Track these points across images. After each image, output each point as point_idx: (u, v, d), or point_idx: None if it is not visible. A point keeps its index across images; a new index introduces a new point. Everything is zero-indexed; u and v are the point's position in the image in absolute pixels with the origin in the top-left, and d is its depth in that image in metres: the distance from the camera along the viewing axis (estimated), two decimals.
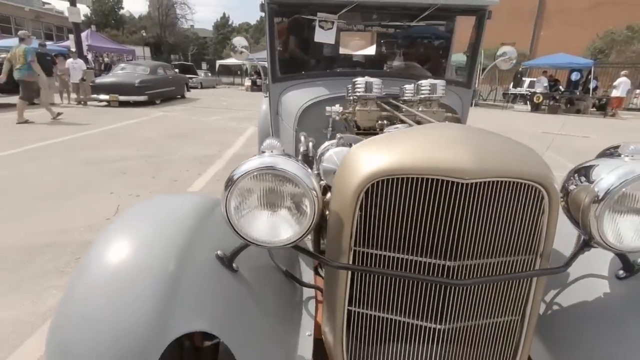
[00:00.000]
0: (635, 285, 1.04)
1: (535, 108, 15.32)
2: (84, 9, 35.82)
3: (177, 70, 16.26)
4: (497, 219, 0.91)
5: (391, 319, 1.01)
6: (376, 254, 0.96)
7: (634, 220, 0.91)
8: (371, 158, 0.91)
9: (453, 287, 0.93)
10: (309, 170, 0.94)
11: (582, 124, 11.38)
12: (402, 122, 1.40)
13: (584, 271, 1.18)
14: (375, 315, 1.02)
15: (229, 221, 0.89)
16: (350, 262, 0.97)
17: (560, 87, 16.30)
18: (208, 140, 6.87)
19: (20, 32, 8.71)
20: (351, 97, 1.59)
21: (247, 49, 2.37)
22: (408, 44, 2.64)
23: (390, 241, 0.95)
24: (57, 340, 0.83)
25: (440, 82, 1.51)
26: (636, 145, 0.91)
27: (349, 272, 0.99)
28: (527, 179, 0.87)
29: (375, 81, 1.49)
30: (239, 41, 2.37)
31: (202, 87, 22.35)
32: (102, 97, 11.40)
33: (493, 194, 0.88)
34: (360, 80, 1.49)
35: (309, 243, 1.53)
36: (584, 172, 0.96)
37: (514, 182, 0.88)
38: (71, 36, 13.01)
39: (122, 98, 11.37)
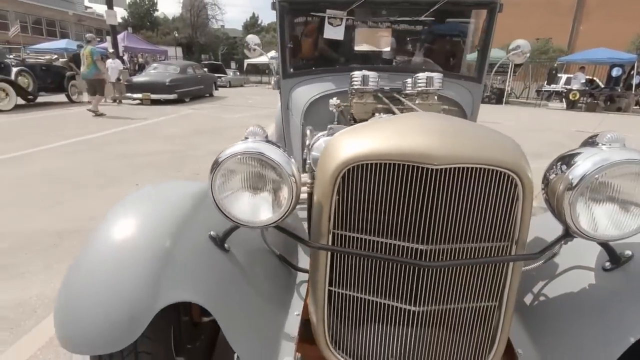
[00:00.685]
0: (621, 277, 1.03)
1: (571, 106, 14.60)
2: (121, 12, 37.59)
3: (206, 69, 16.75)
4: (470, 205, 0.93)
5: (368, 300, 1.06)
6: (353, 237, 1.01)
7: (608, 209, 0.91)
8: (348, 145, 0.96)
9: (426, 270, 0.97)
10: (290, 157, 1.01)
11: (622, 123, 10.75)
12: (393, 113, 1.43)
13: (572, 263, 1.17)
14: (353, 296, 1.07)
15: (214, 200, 0.97)
16: (330, 244, 1.03)
17: (600, 83, 15.44)
18: (231, 136, 7.07)
19: (87, 35, 9.55)
20: (350, 91, 1.64)
21: (260, 46, 2.46)
22: (421, 40, 2.64)
23: (366, 224, 0.99)
24: (63, 304, 0.94)
25: (436, 75, 1.53)
26: (613, 134, 0.91)
27: (328, 254, 1.04)
28: (498, 166, 0.89)
29: (372, 75, 1.53)
30: (252, 39, 2.46)
31: (230, 86, 22.91)
32: (136, 95, 11.97)
33: (465, 180, 0.91)
34: (357, 74, 1.53)
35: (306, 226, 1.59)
36: (563, 160, 0.97)
37: (486, 169, 0.90)
38: (108, 38, 13.70)
39: (154, 96, 11.88)
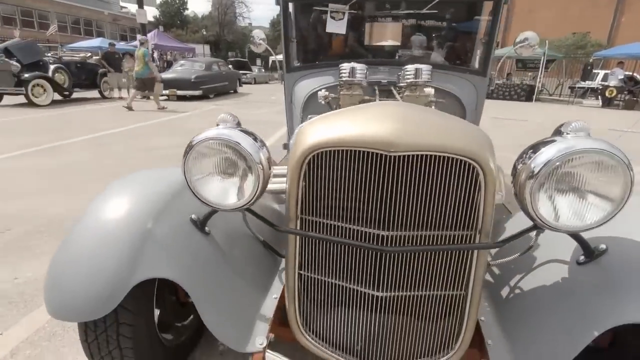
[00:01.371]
0: (594, 270, 1.02)
1: (607, 103, 13.82)
2: (154, 11, 38.80)
3: (230, 66, 17.08)
4: (431, 193, 0.94)
5: (336, 284, 1.09)
6: (319, 222, 1.04)
7: (569, 199, 0.90)
8: (313, 132, 0.99)
9: (388, 255, 0.99)
10: (262, 146, 1.05)
11: None
12: None
13: (548, 256, 1.16)
14: (321, 280, 1.10)
15: (186, 182, 1.03)
16: (298, 229, 1.07)
17: None
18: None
19: (140, 38, 10.24)
20: (339, 83, 1.66)
21: (265, 41, 2.52)
22: (426, 33, 2.61)
23: (332, 210, 1.03)
24: (51, 278, 1.04)
25: (425, 67, 1.53)
26: (578, 122, 0.89)
27: (297, 238, 1.08)
28: (458, 154, 0.90)
29: (359, 67, 1.55)
30: (257, 34, 2.52)
31: (255, 83, 23.24)
32: (163, 91, 12.38)
33: (425, 168, 0.92)
34: (346, 66, 1.55)
35: None
36: (529, 150, 0.96)
37: (446, 157, 0.91)
38: (138, 36, 14.23)
39: (180, 92, 12.24)
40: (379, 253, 0.99)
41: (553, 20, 21.87)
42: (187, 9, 41.89)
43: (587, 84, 15.99)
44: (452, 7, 2.40)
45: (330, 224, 1.03)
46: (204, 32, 36.24)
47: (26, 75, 9.29)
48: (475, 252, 0.99)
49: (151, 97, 12.48)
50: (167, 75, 12.96)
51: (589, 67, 16.38)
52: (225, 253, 1.28)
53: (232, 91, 15.56)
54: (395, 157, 0.90)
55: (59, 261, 1.05)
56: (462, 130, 0.94)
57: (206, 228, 1.25)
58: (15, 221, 2.86)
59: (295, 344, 1.20)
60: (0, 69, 9.21)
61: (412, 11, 2.44)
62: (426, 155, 0.91)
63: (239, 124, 1.06)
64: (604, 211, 0.88)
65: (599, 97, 14.59)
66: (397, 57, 2.49)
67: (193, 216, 1.22)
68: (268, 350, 1.15)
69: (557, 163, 0.86)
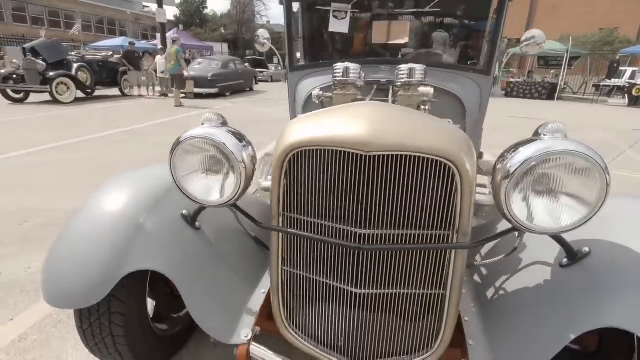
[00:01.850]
0: (576, 273, 1.01)
1: (634, 102, 13.28)
2: (174, 10, 39.51)
3: (247, 64, 17.25)
4: (408, 192, 0.95)
5: (316, 280, 1.11)
6: (300, 219, 1.07)
7: (545, 200, 0.89)
8: (294, 131, 1.02)
9: (365, 253, 1.00)
10: (247, 145, 1.09)
11: None
12: None
13: (533, 258, 1.16)
14: (303, 275, 1.13)
15: (173, 178, 1.08)
16: (280, 226, 1.10)
17: None
18: (261, 129, 7.28)
19: (172, 37, 10.62)
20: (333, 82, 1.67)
21: (269, 40, 2.56)
22: (431, 32, 2.58)
23: (311, 208, 1.05)
24: (48, 268, 1.11)
25: (418, 67, 1.52)
26: (555, 124, 0.88)
27: (280, 235, 1.11)
28: (433, 155, 0.91)
29: (352, 66, 1.56)
30: (262, 33, 2.56)
31: (272, 81, 23.40)
32: (180, 89, 12.64)
33: (401, 168, 0.93)
34: (339, 66, 1.57)
35: None
36: (507, 152, 0.96)
37: (421, 157, 0.92)
38: (158, 35, 14.57)
39: (197, 90, 12.46)
40: (357, 251, 1.01)
41: (579, 15, 21.11)
42: (206, 7, 42.56)
43: (613, 82, 15.39)
44: (457, 5, 2.38)
45: (311, 222, 1.05)
46: (222, 31, 36.71)
47: (51, 73, 9.65)
48: (453, 251, 0.99)
49: (170, 94, 12.79)
50: (185, 73, 13.22)
51: (615, 65, 15.77)
52: (216, 248, 1.33)
53: (247, 89, 15.72)
54: (370, 157, 0.92)
55: (56, 252, 1.12)
56: (438, 131, 0.95)
57: (197, 223, 1.29)
58: (33, 214, 3.00)
59: (281, 338, 1.23)
60: (27, 67, 9.63)
61: (414, 10, 2.42)
62: (401, 156, 0.92)
63: (224, 124, 1.10)
64: (579, 214, 0.87)
65: (625, 95, 14.03)
66: (399, 56, 2.48)
67: (184, 212, 1.27)
68: (253, 343, 1.19)
69: (533, 163, 0.86)
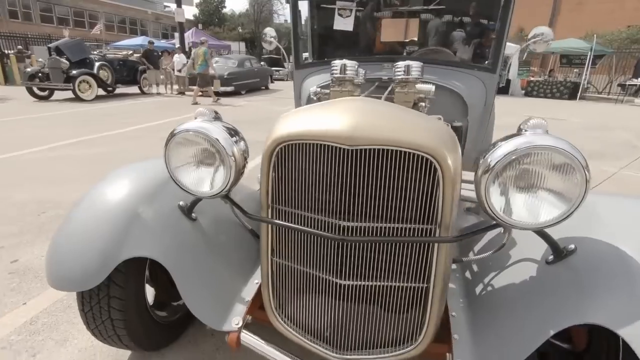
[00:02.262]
0: (561, 270, 1.01)
1: None
2: (194, 10, 40.18)
3: (263, 63, 17.41)
4: (390, 186, 0.97)
5: (304, 271, 1.14)
6: (287, 211, 1.10)
7: (524, 195, 0.90)
8: (282, 125, 1.05)
9: (349, 245, 1.03)
10: (239, 140, 1.13)
11: None
12: None
13: (521, 255, 1.16)
14: (291, 266, 1.16)
15: (168, 169, 1.13)
16: (269, 217, 1.13)
17: None
18: None
19: (201, 39, 11.45)
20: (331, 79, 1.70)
21: (275, 39, 2.60)
22: (437, 29, 2.57)
23: (298, 200, 1.08)
24: (51, 253, 1.17)
25: (415, 64, 1.53)
26: (536, 120, 0.89)
27: (269, 226, 1.14)
28: (414, 149, 0.92)
29: (349, 63, 1.58)
30: (268, 32, 2.60)
31: (288, 79, 23.55)
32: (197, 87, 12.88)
33: (382, 161, 0.95)
34: (337, 63, 1.59)
35: None
36: (490, 147, 0.96)
37: (402, 152, 0.93)
38: (176, 34, 14.86)
39: (214, 89, 12.67)
40: (341, 243, 1.03)
41: (606, 12, 20.35)
42: (224, 7, 43.06)
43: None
44: (463, 2, 2.36)
45: (297, 213, 1.08)
46: (240, 30, 37.12)
47: (74, 72, 10.00)
48: (436, 245, 1.01)
49: (187, 93, 13.05)
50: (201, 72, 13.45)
51: None
52: (211, 238, 1.38)
53: (263, 87, 15.86)
54: (353, 150, 0.94)
55: (58, 238, 1.18)
56: (421, 126, 0.96)
57: (193, 214, 1.34)
58: (50, 205, 3.14)
59: (272, 327, 1.27)
60: (51, 66, 10.00)
61: (420, 7, 2.42)
62: (384, 150, 0.93)
63: (217, 119, 1.14)
64: (558, 209, 0.87)
65: None
66: (404, 54, 2.48)
67: (181, 203, 1.32)
68: (243, 331, 1.23)
69: (512, 157, 0.87)
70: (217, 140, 1.06)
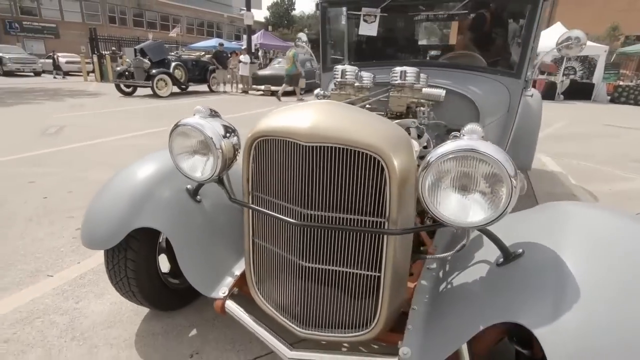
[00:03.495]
0: (507, 271, 1.05)
1: None
2: (265, 13, 42.14)
3: None
4: (343, 181, 1.09)
5: (276, 251, 1.30)
6: (262, 197, 1.27)
7: (456, 195, 0.96)
8: (261, 122, 1.21)
9: (309, 230, 1.16)
10: (232, 134, 1.32)
11: None
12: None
13: (479, 257, 1.21)
14: (266, 247, 1.32)
15: (171, 155, 1.35)
16: (249, 203, 1.30)
17: None
18: None
19: (296, 41, 12.07)
20: (333, 82, 1.82)
21: (307, 43, 2.78)
22: (469, 33, 2.54)
23: (270, 189, 1.24)
24: (85, 218, 1.47)
25: (410, 70, 1.59)
26: (472, 125, 0.94)
27: (249, 210, 1.32)
28: (360, 148, 1.03)
29: (349, 68, 1.69)
30: (301, 36, 2.80)
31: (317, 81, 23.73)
32: (259, 87, 13.64)
33: (336, 158, 1.07)
34: (338, 67, 1.71)
35: None
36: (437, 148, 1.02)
37: (350, 150, 1.05)
38: (245, 36, 15.83)
39: (274, 88, 13.30)
40: (304, 228, 1.16)
41: None
42: (294, 9, 44.62)
43: None
44: (488, 6, 2.32)
45: (270, 200, 1.24)
46: (306, 31, 38.28)
47: (153, 71, 11.22)
48: (385, 237, 1.10)
49: (250, 91, 13.89)
50: (264, 72, 14.18)
51: None
52: (211, 218, 1.59)
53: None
54: (308, 147, 1.07)
55: (90, 208, 1.49)
56: (372, 127, 1.06)
57: (198, 197, 1.57)
58: None
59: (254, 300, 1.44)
60: (135, 66, 11.32)
61: (445, 12, 2.42)
62: (336, 147, 1.05)
63: (213, 115, 1.34)
64: (485, 213, 0.92)
65: None
66: (427, 58, 2.49)
67: (188, 186, 1.56)
68: (229, 300, 1.42)
69: (450, 156, 0.93)
70: (208, 134, 1.26)
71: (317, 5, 2.62)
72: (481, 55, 2.46)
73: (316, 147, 1.06)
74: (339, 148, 1.05)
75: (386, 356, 1.18)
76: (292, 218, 1.17)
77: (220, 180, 1.40)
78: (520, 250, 1.04)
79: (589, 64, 15.45)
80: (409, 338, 1.15)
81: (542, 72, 14.80)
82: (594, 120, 9.27)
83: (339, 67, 1.71)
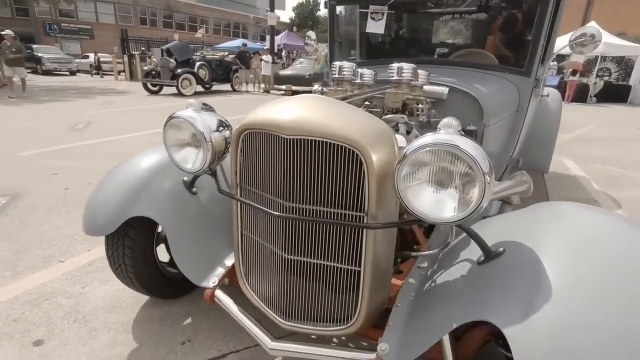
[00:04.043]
0: (486, 269, 1.03)
1: None
2: (291, 14, 42.49)
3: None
4: (323, 174, 1.10)
5: (261, 243, 1.32)
6: (250, 190, 1.29)
7: (431, 189, 0.94)
8: (249, 115, 1.23)
9: (291, 222, 1.17)
10: (225, 128, 1.35)
11: None
12: (364, 100, 1.58)
13: (463, 255, 1.19)
14: (253, 239, 1.34)
15: (165, 147, 1.40)
16: (238, 195, 1.33)
17: None
18: None
19: (306, 39, 12.56)
20: (331, 79, 1.82)
21: (315, 41, 2.80)
22: (480, 31, 2.48)
23: (257, 181, 1.26)
24: (87, 206, 1.54)
25: (406, 66, 1.57)
26: (449, 119, 0.92)
27: (238, 203, 1.34)
28: (338, 141, 1.03)
29: (346, 64, 1.68)
30: (310, 34, 2.82)
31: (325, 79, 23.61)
32: (281, 87, 13.79)
33: (316, 151, 1.08)
34: (336, 64, 1.71)
35: None
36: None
37: (330, 143, 1.05)
38: (268, 37, 16.04)
39: (295, 88, 13.40)
40: (287, 220, 1.18)
41: None
42: (319, 9, 44.80)
43: None
44: (498, 3, 2.25)
45: (257, 193, 1.26)
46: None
47: (178, 70, 11.56)
48: (365, 231, 1.09)
49: (272, 91, 14.05)
50: (285, 72, 14.32)
51: None
52: (206, 210, 1.63)
53: None
54: (290, 139, 1.08)
55: (91, 197, 1.56)
56: (351, 121, 1.05)
57: (194, 189, 1.61)
58: None
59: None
60: (162, 65, 11.70)
61: (453, 9, 2.37)
62: (314, 140, 1.06)
63: (206, 109, 1.38)
64: (458, 208, 0.90)
65: None
66: (435, 56, 2.45)
67: (185, 178, 1.60)
68: (218, 290, 1.45)
69: (427, 149, 0.91)
70: (198, 127, 1.29)
71: (325, 3, 2.63)
72: (493, 53, 2.39)
73: (297, 139, 1.07)
74: (319, 141, 1.05)
75: (365, 351, 1.18)
76: (275, 210, 1.18)
77: (213, 172, 1.43)
78: (501, 249, 1.01)
79: (625, 65, 14.70)
80: (389, 334, 1.14)
81: (573, 73, 14.20)
82: (628, 124, 8.81)
83: (337, 64, 1.71)
